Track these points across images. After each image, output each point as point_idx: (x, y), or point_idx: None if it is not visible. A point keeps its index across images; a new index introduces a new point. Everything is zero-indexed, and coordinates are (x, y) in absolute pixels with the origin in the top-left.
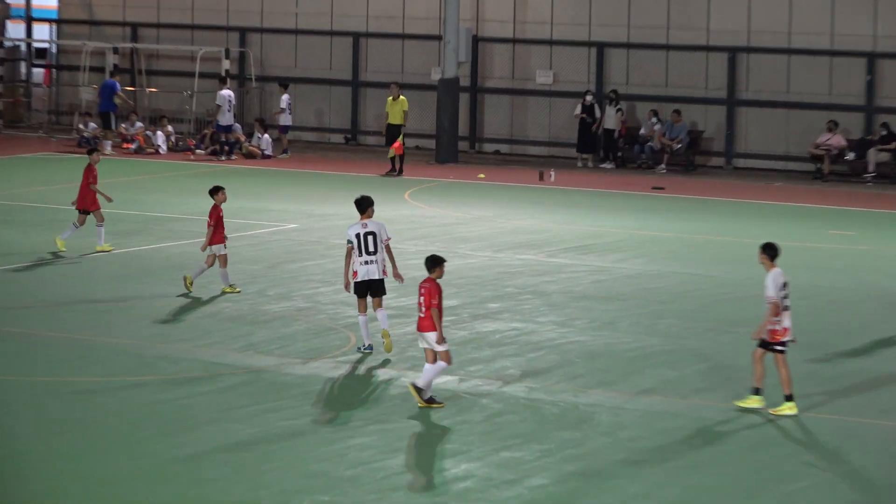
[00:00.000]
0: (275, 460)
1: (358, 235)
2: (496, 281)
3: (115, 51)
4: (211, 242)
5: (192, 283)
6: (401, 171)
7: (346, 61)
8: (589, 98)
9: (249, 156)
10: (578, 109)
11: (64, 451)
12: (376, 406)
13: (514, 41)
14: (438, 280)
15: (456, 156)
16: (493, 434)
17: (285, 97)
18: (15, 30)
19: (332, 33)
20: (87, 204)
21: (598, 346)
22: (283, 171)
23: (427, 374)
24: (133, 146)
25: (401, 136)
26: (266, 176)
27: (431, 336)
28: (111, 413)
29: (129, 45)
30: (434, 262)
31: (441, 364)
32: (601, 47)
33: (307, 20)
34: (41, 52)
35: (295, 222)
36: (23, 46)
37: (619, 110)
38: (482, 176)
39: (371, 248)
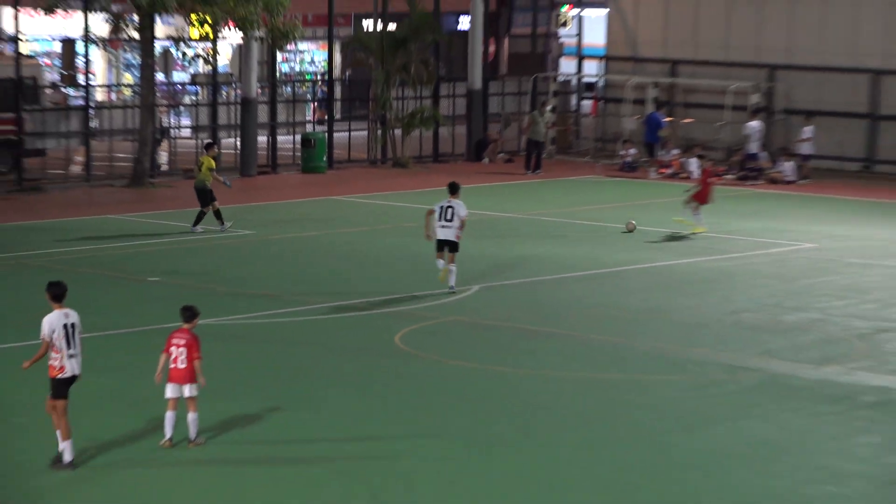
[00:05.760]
0: (787, 454)
1: (441, 207)
2: None
3: (656, 85)
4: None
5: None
6: None
7: (864, 96)
8: None
9: (773, 181)
10: None
11: (588, 440)
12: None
13: None
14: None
15: None
16: None
17: (809, 128)
18: (567, 66)
19: (852, 70)
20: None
21: None
22: (804, 195)
23: (193, 424)
24: (669, 171)
25: None
26: (787, 200)
27: (189, 387)
28: (638, 407)
29: (668, 79)
30: (193, 314)
31: (193, 415)
32: None
33: (829, 58)
34: (590, 86)
35: (813, 242)
36: (574, 80)
37: None
38: None
39: (448, 217)
